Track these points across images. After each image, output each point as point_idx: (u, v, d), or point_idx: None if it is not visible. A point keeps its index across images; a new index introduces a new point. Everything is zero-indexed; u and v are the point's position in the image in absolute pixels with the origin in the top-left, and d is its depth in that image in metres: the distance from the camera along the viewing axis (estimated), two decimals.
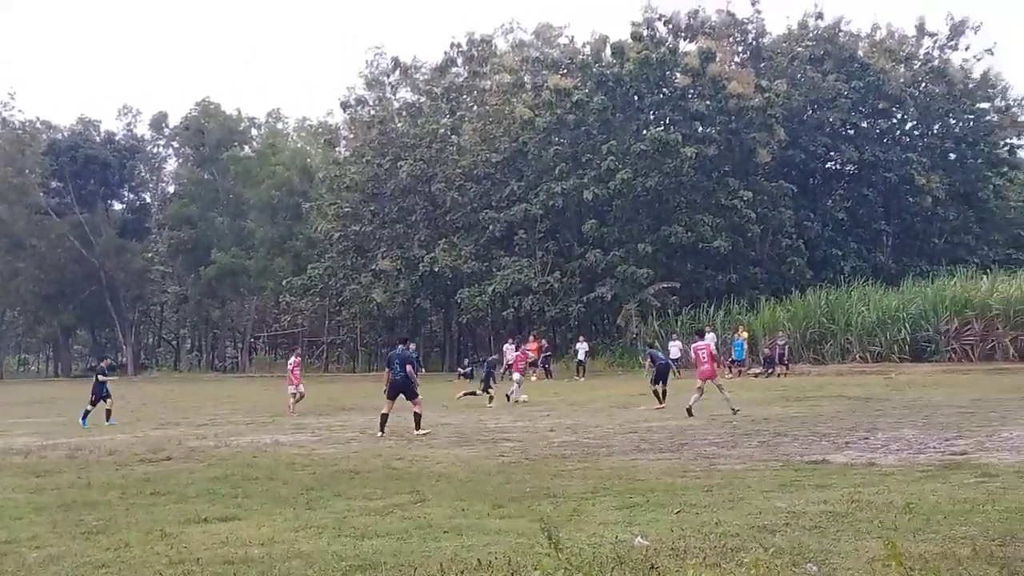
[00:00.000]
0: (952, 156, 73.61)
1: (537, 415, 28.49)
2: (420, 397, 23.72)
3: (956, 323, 49.81)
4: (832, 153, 70.81)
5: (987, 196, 73.74)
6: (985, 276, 54.01)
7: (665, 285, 60.41)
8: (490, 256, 65.32)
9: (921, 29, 74.47)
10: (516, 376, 36.62)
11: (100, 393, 30.67)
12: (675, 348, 49.99)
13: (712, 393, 27.03)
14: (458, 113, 71.66)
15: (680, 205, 62.96)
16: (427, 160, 68.49)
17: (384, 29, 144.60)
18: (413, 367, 23.97)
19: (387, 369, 24.07)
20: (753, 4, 70.91)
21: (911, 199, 70.00)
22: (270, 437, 23.75)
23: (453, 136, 70.06)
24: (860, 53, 71.48)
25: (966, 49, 74.71)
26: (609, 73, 64.48)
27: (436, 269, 64.57)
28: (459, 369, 58.18)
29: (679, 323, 57.23)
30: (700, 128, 64.46)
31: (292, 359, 36.05)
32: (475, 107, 72.91)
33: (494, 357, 41.89)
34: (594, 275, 62.41)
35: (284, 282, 77.00)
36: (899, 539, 9.19)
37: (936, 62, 73.56)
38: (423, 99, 74.90)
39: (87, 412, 29.99)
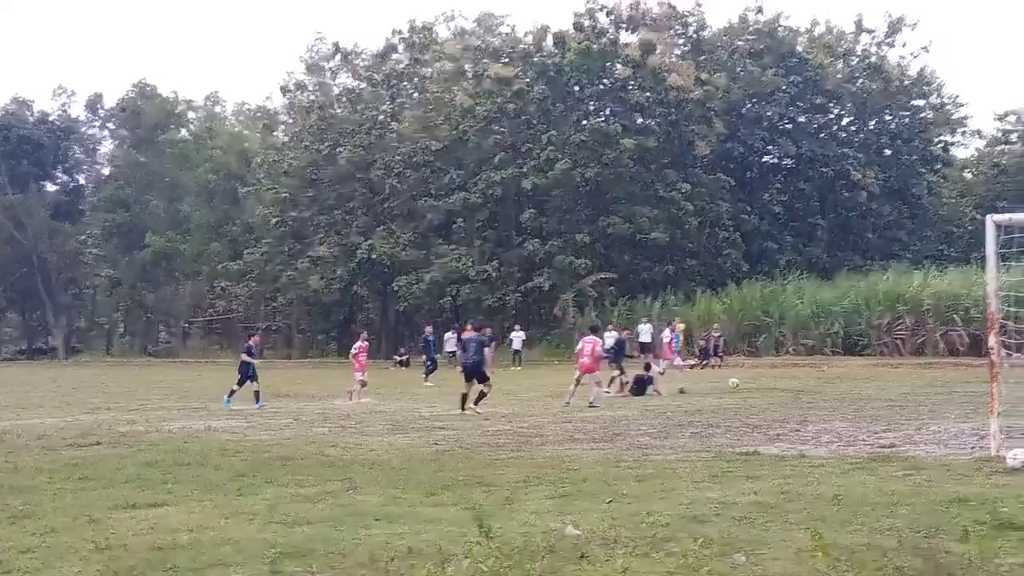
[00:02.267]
0: (887, 152, 74.48)
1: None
2: (491, 379, 25.49)
3: (888, 317, 50.42)
4: (770, 147, 71.37)
5: (921, 192, 74.67)
6: (917, 271, 54.68)
7: (603, 276, 60.59)
8: (428, 244, 65.16)
9: (859, 26, 75.27)
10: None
11: (246, 373, 29.30)
12: (645, 332, 50.37)
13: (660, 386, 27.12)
14: (398, 100, 71.34)
15: (619, 196, 63.15)
16: (366, 147, 68.17)
17: (325, 14, 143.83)
18: (490, 348, 25.69)
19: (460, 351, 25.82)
20: None
21: (846, 194, 70.71)
22: (202, 423, 23.52)
23: (393, 123, 69.74)
24: (799, 48, 72.11)
25: (903, 46, 75.90)
26: (550, 63, 64.50)
27: (374, 256, 64.35)
28: (395, 356, 58.17)
29: (616, 314, 57.38)
30: (640, 120, 64.75)
31: (359, 344, 33.10)
32: (415, 94, 72.65)
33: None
34: (532, 265, 62.49)
35: (220, 267, 76.36)
36: (827, 530, 9.27)
37: (873, 59, 74.39)
38: (363, 85, 74.47)
39: (233, 391, 29.12)
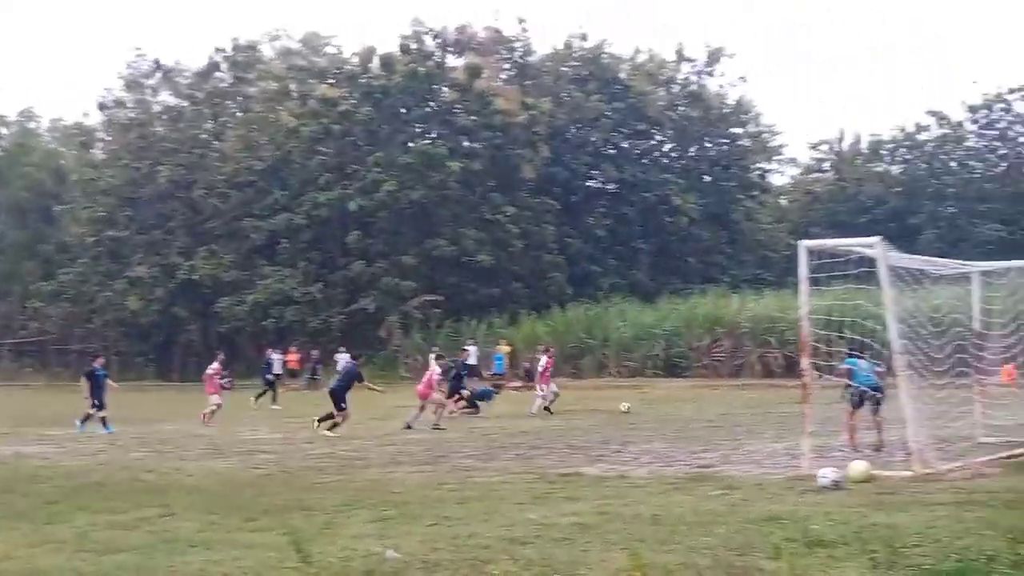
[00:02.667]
0: (707, 178, 76.22)
1: (295, 427, 28.11)
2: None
3: (708, 340, 51.51)
4: (594, 172, 72.28)
5: (739, 218, 76.59)
6: (735, 295, 56.03)
7: (428, 298, 60.53)
8: (251, 265, 64.14)
9: (680, 55, 76.88)
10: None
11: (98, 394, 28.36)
12: (472, 355, 50.54)
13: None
14: (221, 119, 70.20)
15: (445, 218, 63.21)
16: (188, 165, 66.83)
17: (145, 30, 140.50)
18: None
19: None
20: (520, 23, 71.72)
21: (668, 219, 72.01)
22: (11, 448, 22.69)
23: (216, 142, 68.57)
24: (622, 75, 73.31)
25: (722, 76, 77.60)
26: (377, 85, 64.30)
27: (195, 277, 63.08)
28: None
29: (441, 336, 57.44)
30: (466, 143, 64.98)
31: (214, 365, 33.01)
32: (239, 113, 71.55)
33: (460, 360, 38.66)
34: (357, 286, 62.05)
35: (32, 287, 73.74)
36: (645, 550, 9.38)
37: (694, 87, 76.13)
38: (185, 103, 72.92)
39: (103, 417, 28.10)
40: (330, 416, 24.91)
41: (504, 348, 51.92)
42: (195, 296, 67.50)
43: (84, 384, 28.81)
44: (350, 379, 25.92)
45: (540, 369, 32.89)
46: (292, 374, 54.58)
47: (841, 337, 17.46)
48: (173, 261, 65.26)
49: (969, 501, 12.52)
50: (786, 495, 13.60)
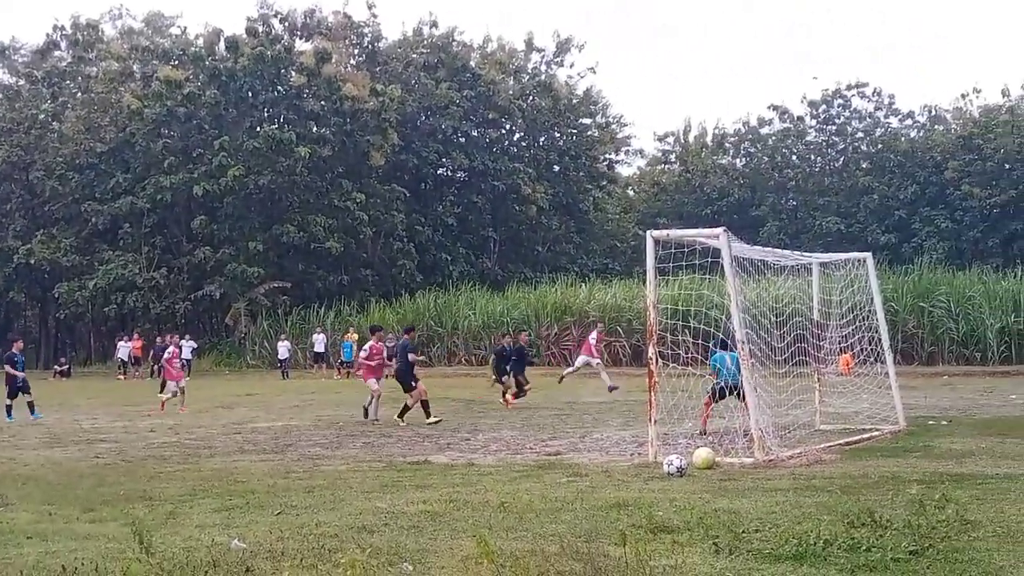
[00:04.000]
0: (556, 168, 76.84)
1: (137, 415, 27.54)
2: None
3: (556, 328, 51.99)
4: (444, 160, 72.29)
5: (587, 208, 77.43)
6: (583, 284, 56.62)
7: (276, 285, 59.93)
8: (92, 250, 62.57)
9: (530, 44, 77.37)
10: None
11: (15, 384, 26.94)
12: (319, 343, 50.30)
13: (321, 393, 26.91)
14: (60, 99, 68.10)
15: (293, 204, 62.57)
16: (25, 147, 64.79)
17: None
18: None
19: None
20: (370, 8, 71.08)
21: (517, 208, 72.45)
22: None
23: (55, 123, 66.64)
24: (472, 64, 73.38)
25: (571, 67, 78.44)
26: (223, 67, 63.22)
27: (32, 261, 61.29)
28: (56, 367, 55.50)
29: (289, 323, 56.88)
30: (315, 128, 64.35)
31: (170, 349, 31.78)
32: (80, 94, 69.55)
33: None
34: (203, 272, 61.04)
35: None
36: (493, 537, 9.39)
37: (543, 77, 76.65)
38: (22, 82, 70.70)
39: (8, 406, 26.66)
40: (405, 407, 23.80)
41: (353, 336, 51.63)
42: (32, 281, 65.72)
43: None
44: (406, 356, 24.62)
45: (593, 342, 32.58)
46: (136, 361, 53.59)
47: (686, 327, 17.72)
48: (9, 244, 63.28)
49: (808, 487, 12.84)
50: (632, 482, 13.77)
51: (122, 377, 50.90)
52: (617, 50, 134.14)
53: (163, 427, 23.69)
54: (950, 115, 77.50)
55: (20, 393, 26.88)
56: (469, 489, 13.27)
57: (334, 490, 13.55)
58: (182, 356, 51.25)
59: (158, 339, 54.30)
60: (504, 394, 29.05)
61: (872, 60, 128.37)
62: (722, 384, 18.49)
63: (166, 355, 31.52)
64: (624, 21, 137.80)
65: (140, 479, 15.07)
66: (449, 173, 74.73)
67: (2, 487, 14.23)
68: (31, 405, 26.85)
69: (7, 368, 27.51)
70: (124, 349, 52.79)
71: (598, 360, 33.11)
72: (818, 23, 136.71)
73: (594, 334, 33.59)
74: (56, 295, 61.78)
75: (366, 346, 26.68)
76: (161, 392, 32.95)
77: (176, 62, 65.46)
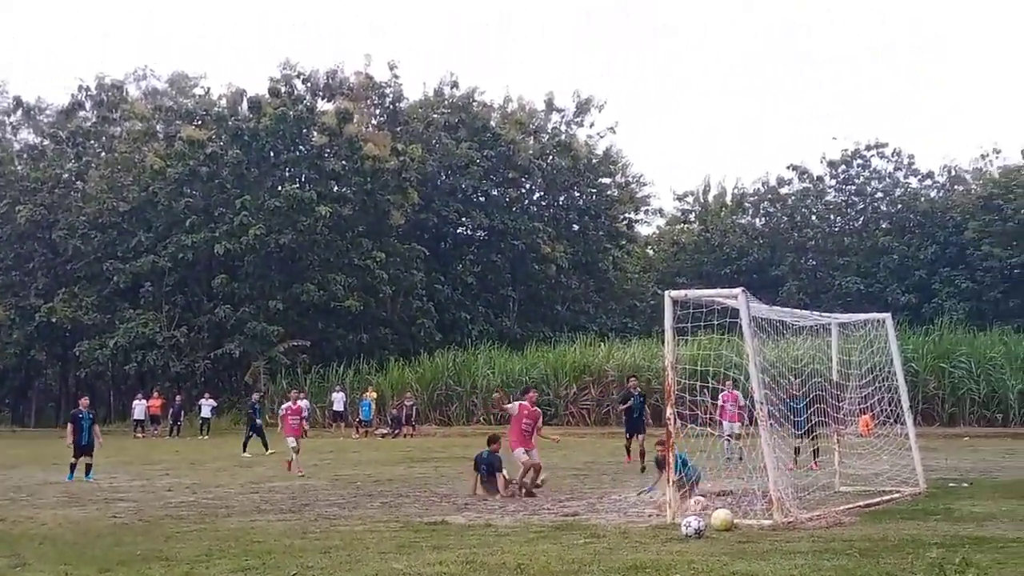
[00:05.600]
0: (576, 227, 77.01)
1: (156, 474, 27.50)
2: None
3: (575, 388, 51.88)
4: (463, 219, 72.55)
5: (607, 267, 77.51)
6: (602, 343, 56.55)
7: (295, 343, 59.95)
8: (113, 308, 62.75)
9: (550, 104, 77.84)
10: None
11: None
12: (338, 401, 50.16)
13: (339, 452, 26.86)
14: (84, 158, 68.59)
15: (313, 263, 62.77)
16: (48, 206, 65.24)
17: (5, 65, 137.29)
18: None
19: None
20: (391, 69, 71.70)
21: (537, 267, 72.54)
22: None
23: (78, 182, 67.18)
24: (492, 123, 73.86)
25: (591, 126, 78.70)
26: (245, 127, 63.75)
27: (54, 320, 61.46)
28: None
29: (308, 381, 56.88)
30: (336, 187, 64.73)
31: (287, 404, 30.08)
32: (103, 153, 70.09)
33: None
34: (223, 331, 61.18)
35: None
36: None
37: (563, 137, 77.03)
38: (47, 142, 71.35)
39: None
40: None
41: (372, 394, 51.71)
42: (54, 339, 65.92)
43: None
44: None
45: (720, 404, 27.33)
46: (154, 420, 53.63)
47: (704, 387, 17.65)
48: (32, 303, 63.56)
49: (827, 550, 12.74)
50: (650, 544, 13.69)
51: (140, 435, 50.88)
52: (637, 108, 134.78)
53: (181, 486, 23.67)
54: (970, 175, 77.33)
55: (84, 453, 26.14)
56: (486, 550, 13.20)
57: (350, 551, 13.50)
58: (201, 415, 51.79)
59: (177, 397, 54.51)
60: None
61: (893, 119, 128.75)
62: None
63: (281, 411, 30.34)
64: (644, 79, 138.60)
65: (157, 539, 15.03)
66: (469, 232, 74.95)
67: (19, 546, 14.23)
68: (88, 467, 26.12)
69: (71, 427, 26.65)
70: (140, 407, 52.76)
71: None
72: (836, 85, 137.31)
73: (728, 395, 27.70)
74: (77, 353, 61.91)
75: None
76: (266, 449, 33.49)
77: (199, 122, 66.00)
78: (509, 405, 21.91)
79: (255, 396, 42.02)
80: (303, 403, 49.53)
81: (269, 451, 34.93)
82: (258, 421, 37.74)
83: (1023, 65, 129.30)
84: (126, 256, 62.84)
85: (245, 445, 36.37)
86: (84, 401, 28.31)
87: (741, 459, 23.20)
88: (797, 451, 22.48)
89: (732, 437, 26.67)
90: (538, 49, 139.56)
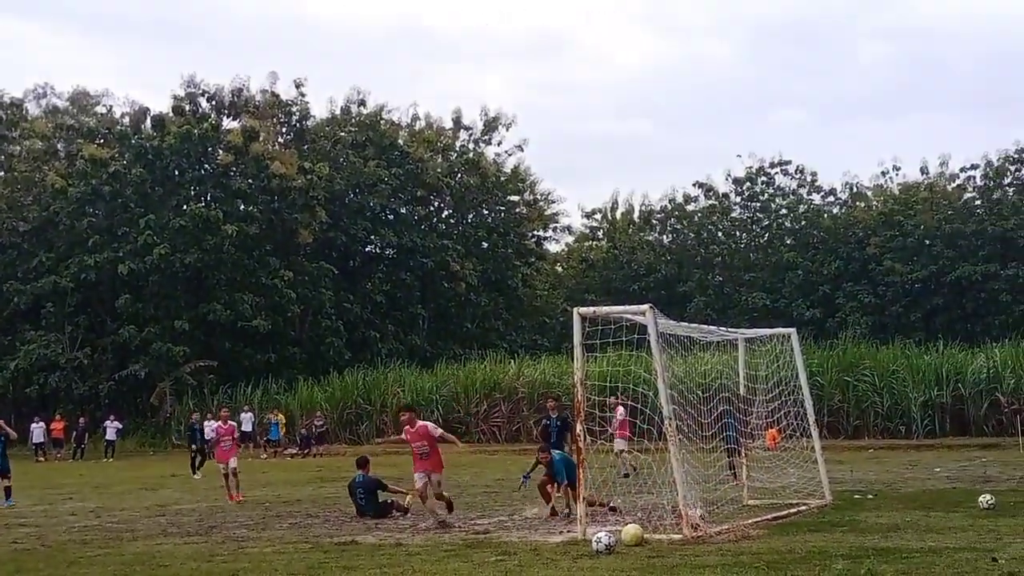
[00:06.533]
0: (485, 245, 77.19)
1: (59, 498, 26.95)
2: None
3: (486, 405, 51.88)
4: (372, 237, 72.23)
5: (516, 284, 77.66)
6: (512, 360, 56.64)
7: (202, 363, 59.30)
8: (14, 330, 61.65)
9: (458, 122, 77.96)
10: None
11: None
12: (246, 421, 49.11)
13: (248, 473, 26.54)
14: None
15: (220, 282, 62.08)
16: None
17: None
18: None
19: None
20: (298, 87, 71.22)
21: (446, 284, 72.50)
22: None
23: None
24: (400, 141, 73.76)
25: (499, 144, 78.91)
26: (149, 146, 62.90)
27: None
28: None
29: (215, 402, 56.16)
30: (242, 206, 64.08)
31: (218, 424, 28.20)
32: (2, 172, 68.80)
33: None
34: (127, 352, 60.31)
35: None
36: None
37: (471, 155, 77.09)
38: None
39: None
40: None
41: (279, 416, 51.32)
42: None
43: None
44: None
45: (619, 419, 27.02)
46: (57, 443, 52.55)
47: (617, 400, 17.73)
48: None
49: (736, 563, 12.84)
50: (561, 560, 13.69)
51: (42, 459, 49.80)
52: (543, 125, 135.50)
53: (85, 510, 23.22)
54: (871, 192, 78.81)
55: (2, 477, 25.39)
56: (396, 570, 13.13)
57: (258, 573, 13.36)
58: (106, 437, 50.81)
59: (80, 420, 53.48)
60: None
61: (793, 138, 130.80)
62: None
63: (209, 433, 29.16)
64: (550, 102, 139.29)
65: (60, 565, 14.74)
66: (378, 250, 74.65)
67: None
68: (7, 490, 25.40)
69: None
70: (38, 431, 51.29)
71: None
72: (745, 102, 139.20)
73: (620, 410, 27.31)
74: None
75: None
76: (195, 473, 32.47)
77: (101, 140, 65.13)
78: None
79: (195, 416, 41.35)
80: (245, 416, 49.23)
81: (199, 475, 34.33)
82: (195, 444, 36.59)
83: (921, 81, 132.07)
84: (27, 277, 61.66)
85: (193, 466, 35.62)
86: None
87: (627, 476, 23.51)
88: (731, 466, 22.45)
89: (621, 452, 26.73)
90: (445, 65, 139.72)
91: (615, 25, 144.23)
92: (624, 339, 17.11)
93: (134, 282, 61.13)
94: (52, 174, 62.24)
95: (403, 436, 19.59)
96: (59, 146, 66.83)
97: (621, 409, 26.50)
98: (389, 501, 20.86)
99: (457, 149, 77.90)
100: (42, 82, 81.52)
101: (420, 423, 19.71)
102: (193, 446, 36.69)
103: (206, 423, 49.10)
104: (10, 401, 63.67)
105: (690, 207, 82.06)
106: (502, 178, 78.58)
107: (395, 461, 39.48)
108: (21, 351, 59.18)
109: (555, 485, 19.25)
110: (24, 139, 68.28)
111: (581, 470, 16.41)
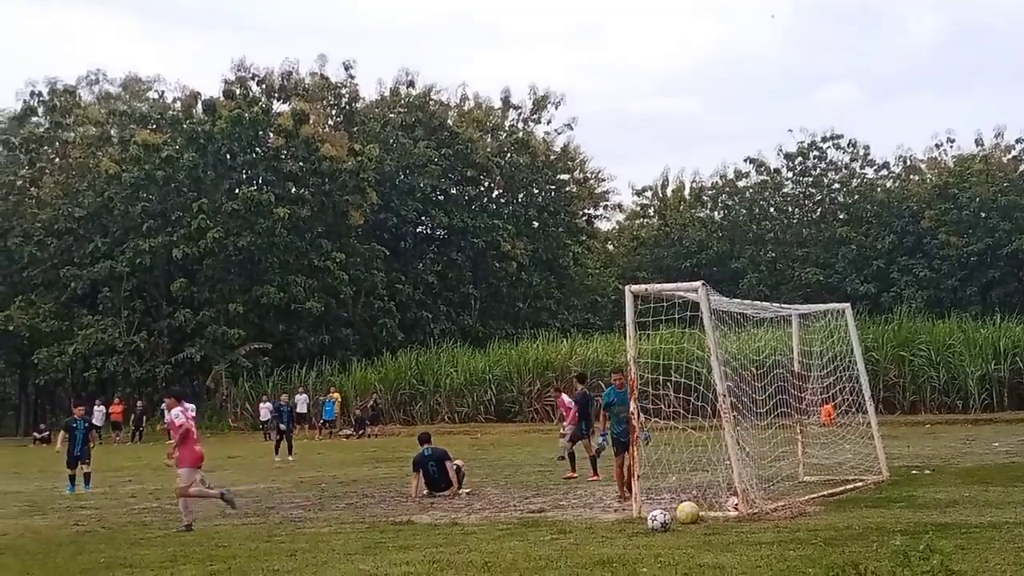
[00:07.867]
0: (535, 224, 77.10)
1: (118, 481, 27.26)
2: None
3: (538, 384, 51.80)
4: (423, 218, 72.44)
5: (567, 263, 77.58)
6: (565, 339, 56.53)
7: (256, 346, 59.70)
8: (72, 315, 62.33)
9: (507, 102, 77.82)
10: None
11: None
12: (301, 403, 48.93)
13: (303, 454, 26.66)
14: (38, 165, 67.98)
15: (273, 265, 62.43)
16: (3, 213, 64.72)
17: None
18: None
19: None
20: (347, 69, 71.40)
21: (498, 264, 72.56)
22: None
23: (32, 188, 66.58)
24: (450, 122, 73.78)
25: (548, 123, 78.72)
26: (200, 130, 63.27)
27: (11, 328, 60.90)
28: (35, 433, 55.06)
29: (271, 384, 56.53)
30: (293, 189, 64.43)
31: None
32: (57, 159, 69.53)
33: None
34: (183, 335, 60.85)
35: None
36: None
37: (521, 134, 76.93)
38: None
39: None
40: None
41: (335, 395, 51.54)
42: (11, 347, 65.29)
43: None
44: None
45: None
46: (116, 426, 53.17)
47: (668, 381, 17.68)
48: None
49: (792, 540, 12.78)
50: (616, 538, 13.69)
51: (98, 442, 50.18)
52: (594, 104, 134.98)
53: (144, 492, 23.49)
54: (925, 165, 77.97)
55: (80, 462, 25.27)
56: (452, 549, 13.17)
57: (316, 553, 13.43)
58: (164, 420, 51.15)
59: (138, 403, 54.10)
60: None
61: (844, 113, 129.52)
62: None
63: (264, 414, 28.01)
64: (597, 82, 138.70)
65: (120, 546, 14.90)
66: (428, 231, 74.85)
67: None
68: (87, 476, 25.37)
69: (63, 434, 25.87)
70: (99, 414, 51.67)
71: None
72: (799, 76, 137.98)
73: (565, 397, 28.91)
74: (35, 361, 61.35)
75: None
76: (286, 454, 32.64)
77: (154, 126, 65.64)
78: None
79: (283, 397, 39.75)
80: (300, 397, 49.25)
81: (293, 456, 33.61)
82: (282, 425, 35.29)
83: (973, 53, 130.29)
84: (83, 262, 62.38)
85: (277, 448, 34.62)
86: (79, 410, 27.11)
87: (563, 459, 24.31)
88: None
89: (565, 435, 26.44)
90: (493, 47, 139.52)
91: (661, 3, 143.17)
92: (677, 316, 17.01)
93: (188, 266, 61.71)
94: (106, 160, 62.84)
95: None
96: (112, 132, 67.42)
97: (564, 397, 27.94)
98: (459, 467, 20.88)
99: (506, 128, 77.82)
100: (95, 69, 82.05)
101: None
102: (281, 426, 35.38)
103: (261, 404, 49.62)
104: (69, 385, 64.55)
105: (741, 183, 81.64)
106: (552, 157, 78.40)
107: (448, 442, 39.71)
108: (79, 336, 59.85)
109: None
110: (78, 125, 68.94)
111: (635, 448, 16.37)
